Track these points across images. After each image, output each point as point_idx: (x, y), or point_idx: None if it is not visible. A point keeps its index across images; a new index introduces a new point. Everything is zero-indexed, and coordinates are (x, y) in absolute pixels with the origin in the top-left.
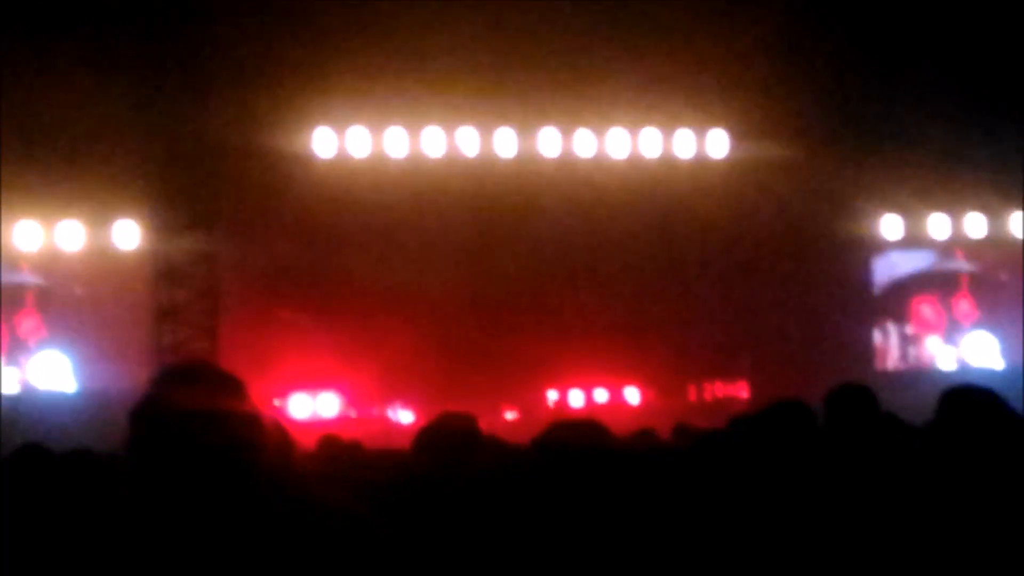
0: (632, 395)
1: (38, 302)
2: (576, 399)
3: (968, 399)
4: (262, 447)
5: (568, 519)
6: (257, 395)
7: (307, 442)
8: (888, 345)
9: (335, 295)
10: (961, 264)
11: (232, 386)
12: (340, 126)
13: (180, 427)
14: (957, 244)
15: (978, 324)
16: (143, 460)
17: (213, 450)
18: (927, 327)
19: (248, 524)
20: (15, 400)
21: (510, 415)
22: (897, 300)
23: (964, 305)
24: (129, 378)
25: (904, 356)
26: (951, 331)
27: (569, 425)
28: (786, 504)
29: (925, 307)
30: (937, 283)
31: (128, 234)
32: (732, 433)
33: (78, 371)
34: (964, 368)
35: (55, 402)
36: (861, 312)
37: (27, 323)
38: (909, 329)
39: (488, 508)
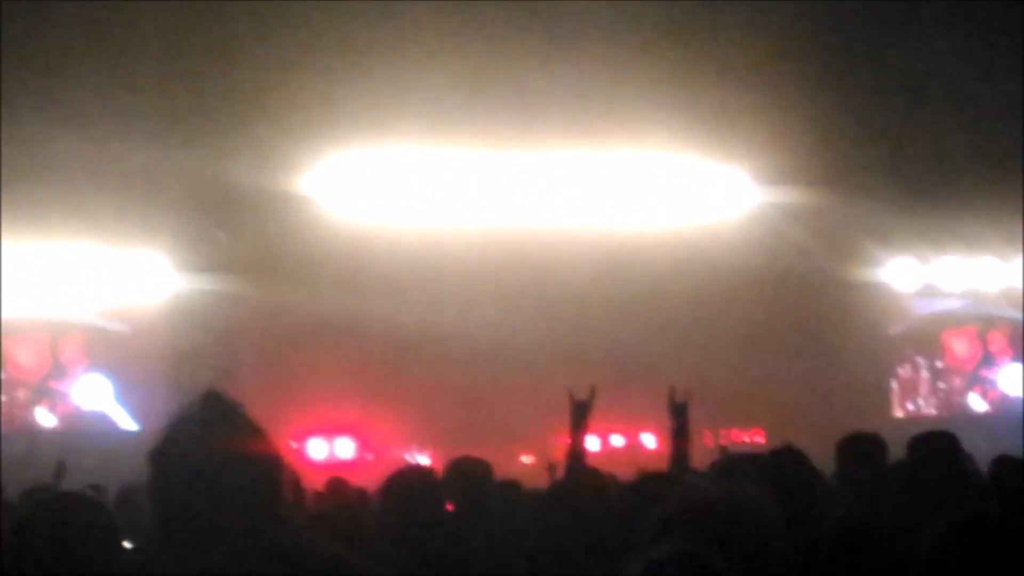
0: (649, 440)
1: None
2: (592, 444)
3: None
4: (282, 489)
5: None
6: (274, 437)
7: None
8: (918, 379)
9: (353, 338)
10: (997, 304)
11: (251, 426)
12: (361, 171)
13: (199, 468)
14: (972, 290)
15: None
16: (161, 501)
17: (232, 491)
18: (959, 361)
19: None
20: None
21: (526, 459)
22: (928, 336)
23: (999, 340)
24: (154, 417)
25: (934, 392)
26: (984, 365)
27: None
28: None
29: (958, 341)
30: (972, 319)
31: (151, 275)
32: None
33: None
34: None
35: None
36: (879, 358)
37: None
38: (940, 364)
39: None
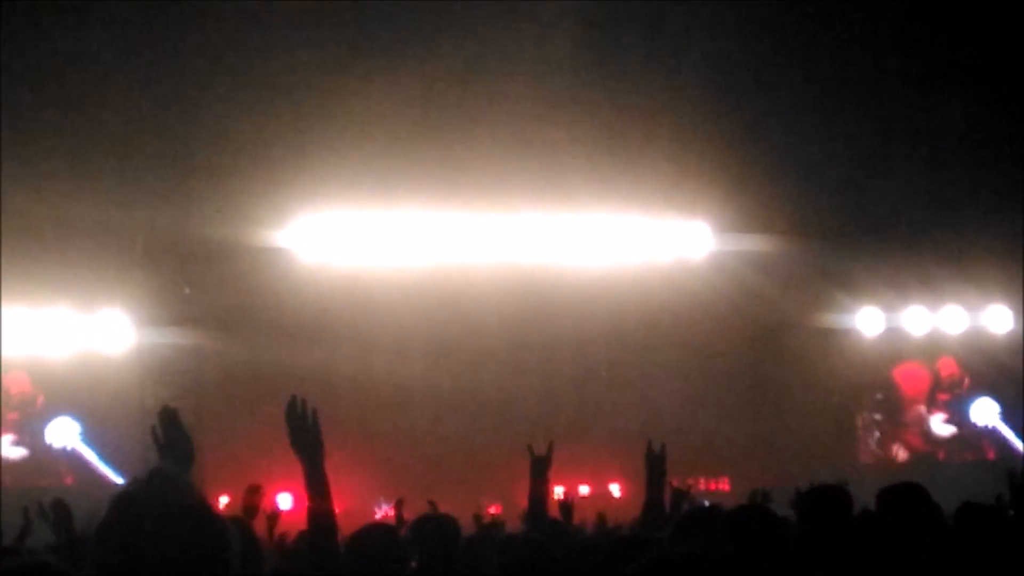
0: (615, 490)
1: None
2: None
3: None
4: (229, 558)
5: None
6: (241, 489)
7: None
8: (883, 423)
9: (319, 391)
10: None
11: (196, 502)
12: (324, 220)
13: (141, 549)
14: (936, 337)
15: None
16: (106, 546)
17: (180, 548)
18: (915, 393)
19: None
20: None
21: (493, 510)
22: (885, 377)
23: (949, 365)
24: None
25: (898, 434)
26: (938, 390)
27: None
28: None
29: (909, 375)
30: (919, 353)
31: (116, 330)
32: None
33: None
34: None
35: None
36: (844, 403)
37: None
38: (898, 401)
39: None
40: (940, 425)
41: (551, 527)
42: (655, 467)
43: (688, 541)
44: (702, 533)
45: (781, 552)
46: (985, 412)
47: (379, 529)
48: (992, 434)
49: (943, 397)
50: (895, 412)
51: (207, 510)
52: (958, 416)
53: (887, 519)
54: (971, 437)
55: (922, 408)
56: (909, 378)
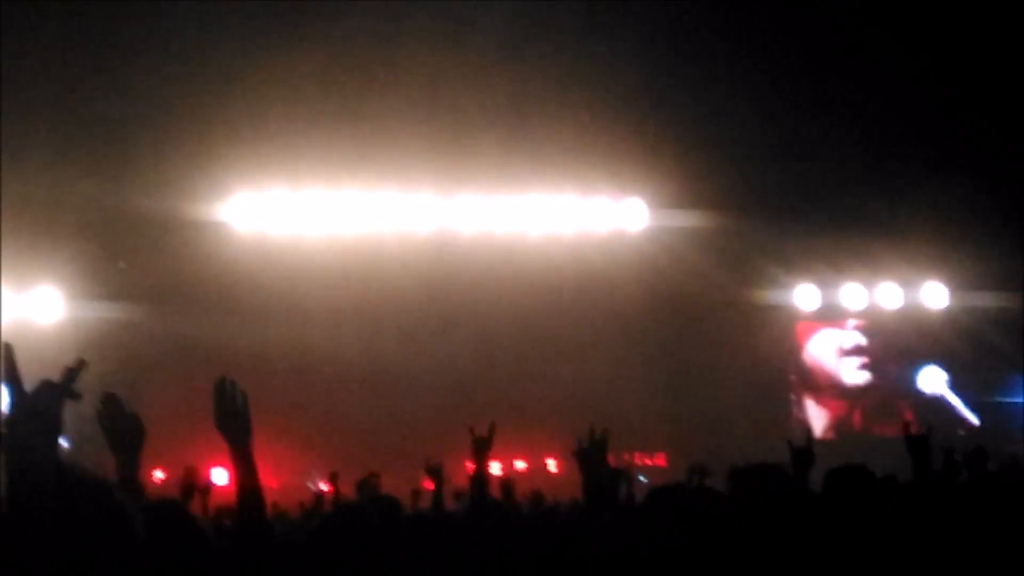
0: (552, 465)
1: None
2: (496, 469)
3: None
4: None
5: None
6: (178, 465)
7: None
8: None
9: (253, 365)
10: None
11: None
12: (258, 195)
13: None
14: (872, 313)
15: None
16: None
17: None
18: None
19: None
20: None
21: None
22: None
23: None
24: None
25: (826, 407)
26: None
27: None
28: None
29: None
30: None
31: (49, 304)
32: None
33: None
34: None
35: None
36: (779, 381)
37: None
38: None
39: None
40: (853, 373)
41: (492, 508)
42: (587, 461)
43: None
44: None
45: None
46: (933, 380)
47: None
48: (939, 403)
49: (857, 358)
50: (815, 381)
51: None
52: (878, 377)
53: (834, 502)
54: (890, 402)
55: (834, 369)
56: (820, 345)
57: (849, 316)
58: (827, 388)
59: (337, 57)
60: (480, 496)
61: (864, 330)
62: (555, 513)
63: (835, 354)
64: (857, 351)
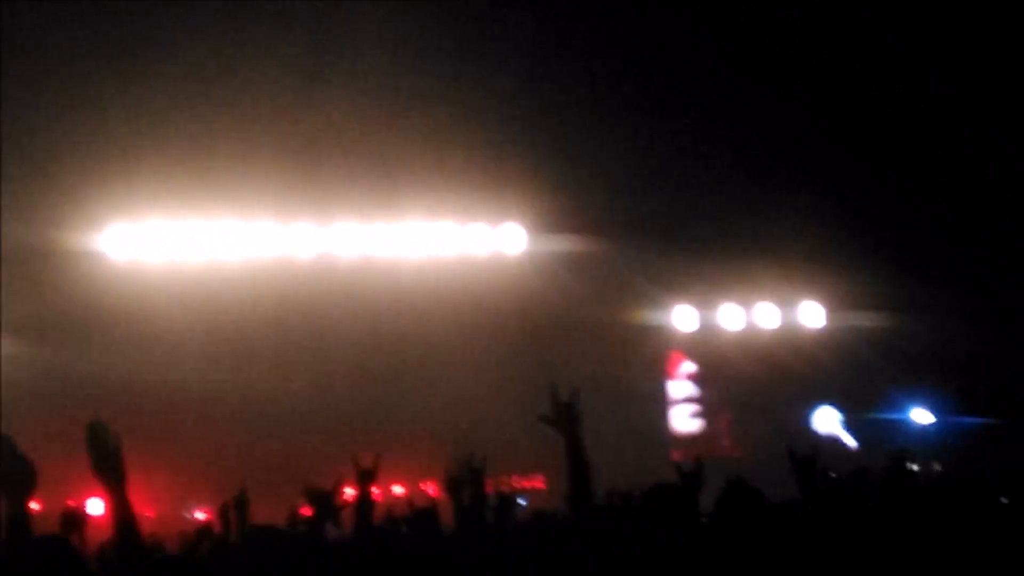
0: (430, 489)
1: None
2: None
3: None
4: None
5: None
6: (54, 496)
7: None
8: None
9: (129, 395)
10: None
11: None
12: (134, 224)
13: None
14: (750, 333)
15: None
16: None
17: None
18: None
19: None
20: None
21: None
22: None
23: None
24: None
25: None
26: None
27: None
28: None
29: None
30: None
31: None
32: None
33: None
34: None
35: None
36: (655, 401)
37: None
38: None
39: None
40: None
41: (377, 536)
42: (458, 490)
43: None
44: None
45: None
46: (827, 420)
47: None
48: (834, 443)
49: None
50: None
51: None
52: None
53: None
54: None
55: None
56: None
57: (727, 336)
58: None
59: (212, 86)
60: (365, 524)
61: (696, 378)
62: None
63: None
64: (688, 400)
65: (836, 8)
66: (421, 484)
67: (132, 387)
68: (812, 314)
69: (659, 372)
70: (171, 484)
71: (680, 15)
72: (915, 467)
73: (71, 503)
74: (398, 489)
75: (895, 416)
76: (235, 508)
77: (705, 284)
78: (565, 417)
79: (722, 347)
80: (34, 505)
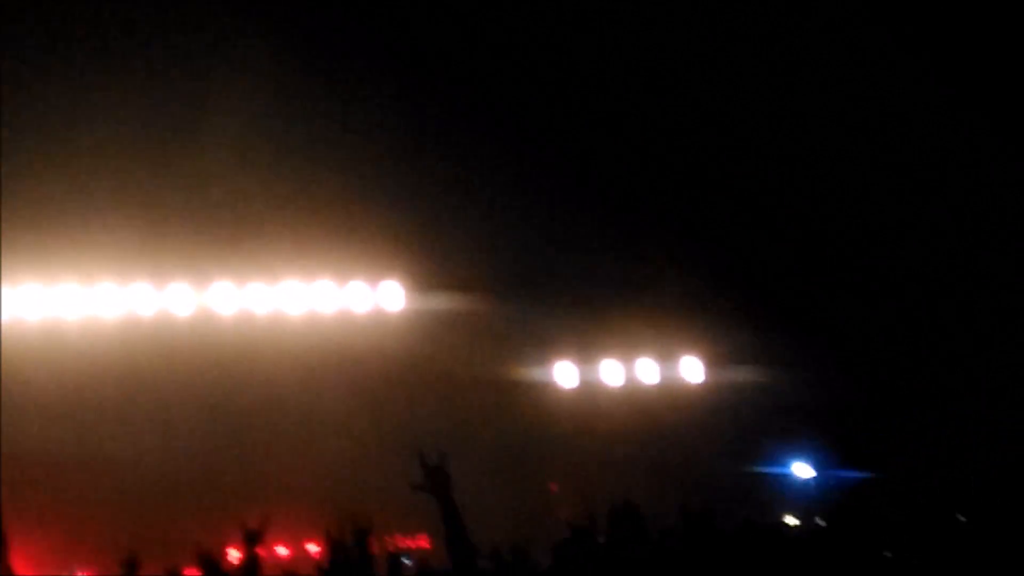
0: (312, 549)
1: None
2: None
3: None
4: None
5: None
6: None
7: None
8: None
9: (11, 459)
10: None
11: None
12: (12, 285)
13: None
14: (631, 389)
15: None
16: None
17: None
18: None
19: None
20: None
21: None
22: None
23: None
24: None
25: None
26: None
27: None
28: None
29: None
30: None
31: None
32: None
33: None
34: None
35: None
36: (538, 457)
37: None
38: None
39: None
40: None
41: None
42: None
43: None
44: None
45: None
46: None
47: None
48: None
49: None
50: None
51: None
52: None
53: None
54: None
55: None
56: None
57: (608, 392)
58: None
59: (87, 150)
60: None
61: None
62: None
63: None
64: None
65: (689, 64)
66: (304, 543)
67: (13, 449)
68: (692, 369)
69: (541, 426)
70: (55, 546)
71: (547, 75)
72: (796, 521)
73: None
74: (282, 551)
75: (776, 471)
76: (125, 570)
77: (585, 340)
78: (435, 481)
79: (603, 403)
80: None
